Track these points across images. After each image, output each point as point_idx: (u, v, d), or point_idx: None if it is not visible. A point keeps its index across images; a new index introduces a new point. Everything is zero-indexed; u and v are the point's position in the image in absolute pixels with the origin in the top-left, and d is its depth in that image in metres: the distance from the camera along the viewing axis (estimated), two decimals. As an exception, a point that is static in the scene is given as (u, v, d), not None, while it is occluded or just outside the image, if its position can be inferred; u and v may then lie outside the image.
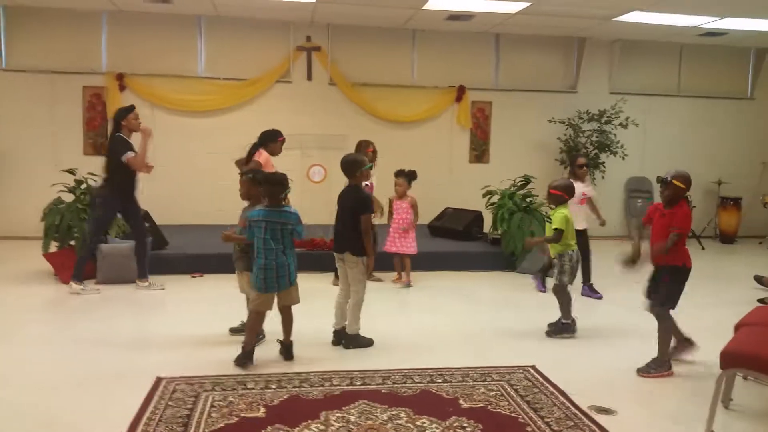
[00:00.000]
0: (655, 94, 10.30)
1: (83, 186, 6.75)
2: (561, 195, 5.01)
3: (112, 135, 6.22)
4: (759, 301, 5.74)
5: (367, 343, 4.68)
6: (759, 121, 10.64)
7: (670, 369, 4.21)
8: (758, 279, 6.72)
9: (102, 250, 6.44)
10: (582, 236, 5.85)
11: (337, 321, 4.73)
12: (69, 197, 6.73)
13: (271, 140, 6.27)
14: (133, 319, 5.42)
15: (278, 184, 4.22)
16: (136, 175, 6.27)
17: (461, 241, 8.20)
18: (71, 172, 6.82)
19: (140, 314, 5.60)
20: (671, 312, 4.23)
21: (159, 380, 3.87)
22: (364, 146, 6.64)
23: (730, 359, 3.34)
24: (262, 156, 6.05)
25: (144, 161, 6.15)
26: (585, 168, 6.55)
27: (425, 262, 7.21)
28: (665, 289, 4.21)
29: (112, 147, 6.15)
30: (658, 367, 4.19)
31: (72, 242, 6.55)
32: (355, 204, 4.56)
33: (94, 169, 6.89)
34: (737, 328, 3.78)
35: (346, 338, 4.66)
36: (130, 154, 6.07)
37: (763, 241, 9.72)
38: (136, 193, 6.32)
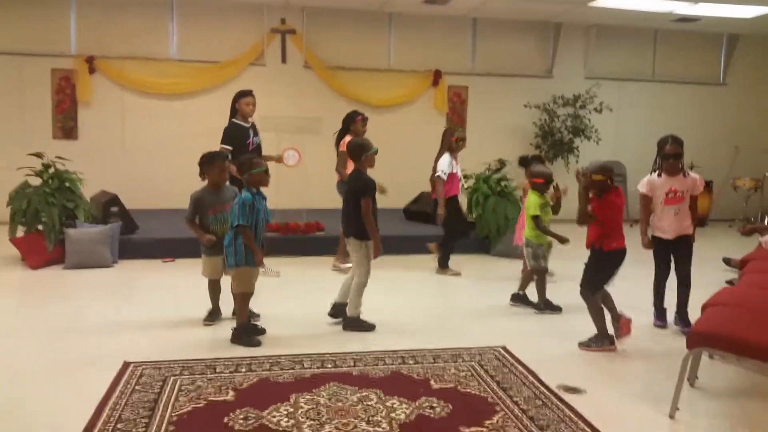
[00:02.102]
0: (630, 79, 10.38)
1: (51, 170, 6.60)
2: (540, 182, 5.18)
3: (229, 118, 6.14)
4: (727, 282, 5.82)
5: (368, 327, 4.66)
6: (731, 106, 10.77)
7: (612, 344, 4.31)
8: (727, 261, 6.82)
9: (70, 235, 6.34)
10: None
11: (339, 295, 4.79)
12: (37, 181, 6.59)
13: (351, 122, 6.34)
14: (102, 304, 5.34)
15: (238, 165, 4.35)
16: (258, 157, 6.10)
17: (436, 225, 8.18)
18: (39, 155, 6.67)
19: (109, 299, 5.52)
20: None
21: (126, 365, 3.81)
22: (449, 134, 6.44)
23: (696, 339, 3.37)
24: (346, 141, 6.06)
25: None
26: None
27: (400, 245, 7.20)
28: (587, 271, 4.38)
29: (223, 132, 6.08)
30: (598, 341, 4.31)
31: (39, 227, 6.42)
32: (356, 188, 4.58)
33: (62, 153, 6.77)
34: (704, 308, 3.82)
35: (345, 320, 4.67)
36: (226, 147, 5.95)
37: (732, 224, 9.87)
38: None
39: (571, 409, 3.36)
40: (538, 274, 5.25)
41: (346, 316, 4.68)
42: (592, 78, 10.03)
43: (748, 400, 3.65)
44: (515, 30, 9.94)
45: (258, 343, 4.23)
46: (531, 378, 3.77)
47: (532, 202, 5.17)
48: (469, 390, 3.58)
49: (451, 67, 9.82)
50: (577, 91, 9.77)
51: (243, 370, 3.79)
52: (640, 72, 10.49)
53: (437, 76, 9.76)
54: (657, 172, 4.73)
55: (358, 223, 4.55)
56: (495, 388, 3.62)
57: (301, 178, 6.32)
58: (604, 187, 4.23)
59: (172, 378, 3.65)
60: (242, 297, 4.32)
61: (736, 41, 10.59)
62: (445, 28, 9.72)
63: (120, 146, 8.99)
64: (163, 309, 5.10)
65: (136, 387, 3.52)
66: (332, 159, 9.22)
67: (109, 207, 6.95)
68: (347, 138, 6.22)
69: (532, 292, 5.30)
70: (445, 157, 6.30)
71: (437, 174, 6.27)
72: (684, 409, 3.34)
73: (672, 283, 4.81)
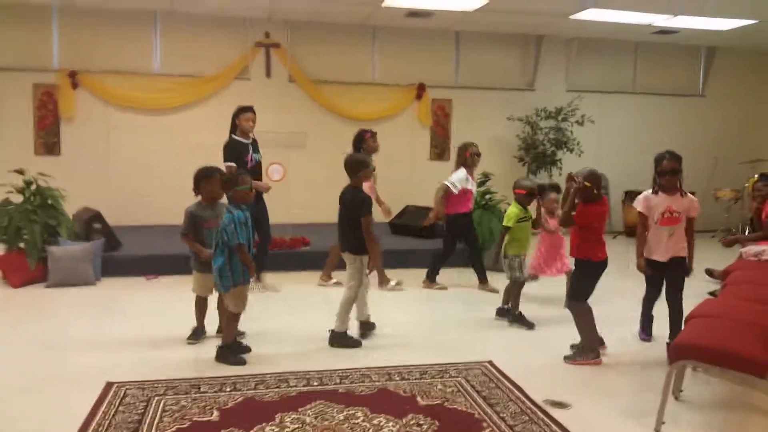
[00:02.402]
0: (611, 92, 10.49)
1: (32, 186, 6.54)
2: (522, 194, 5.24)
3: (229, 135, 6.02)
4: (709, 293, 5.88)
5: (354, 344, 4.64)
6: (710, 117, 10.92)
7: (598, 357, 4.35)
8: (709, 272, 6.89)
9: (53, 253, 6.27)
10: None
11: (357, 314, 4.84)
12: (18, 198, 6.52)
13: (362, 142, 6.30)
14: (85, 322, 5.28)
15: (223, 181, 4.35)
16: (259, 177, 6.02)
17: (422, 239, 8.21)
18: (20, 172, 6.60)
19: (93, 317, 5.46)
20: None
21: (110, 385, 3.77)
22: (463, 150, 6.40)
23: (680, 351, 3.40)
24: None
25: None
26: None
27: (386, 259, 7.18)
28: (574, 283, 4.49)
29: (224, 149, 5.97)
30: (584, 354, 4.35)
31: (21, 245, 6.35)
32: (354, 206, 4.59)
33: (44, 169, 6.70)
34: (686, 320, 3.86)
35: (331, 335, 4.64)
36: (229, 164, 5.82)
37: (714, 235, 9.97)
38: (261, 197, 6.04)
39: (557, 424, 3.37)
40: (514, 284, 5.27)
41: (333, 332, 4.65)
42: (574, 91, 10.13)
43: (732, 412, 3.68)
44: (498, 43, 10.03)
45: (243, 362, 4.20)
46: (517, 393, 3.77)
47: (510, 214, 5.19)
48: (455, 406, 3.58)
49: (434, 80, 9.88)
50: (559, 104, 9.87)
51: (228, 389, 3.76)
52: (621, 84, 10.62)
53: (421, 90, 9.81)
54: (654, 190, 4.51)
55: (353, 239, 4.59)
56: (481, 403, 3.62)
57: (286, 193, 6.30)
58: (589, 194, 4.28)
59: (156, 398, 3.61)
60: (234, 317, 4.29)
61: (714, 53, 10.77)
62: (429, 41, 9.78)
63: (103, 162, 8.92)
64: (146, 327, 5.05)
65: (120, 408, 3.48)
66: (317, 174, 9.28)
67: (91, 224, 6.88)
68: None
69: (528, 305, 5.35)
70: (461, 172, 6.29)
71: (446, 183, 6.24)
72: (669, 422, 3.36)
73: (662, 303, 4.69)
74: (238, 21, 9.05)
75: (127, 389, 3.73)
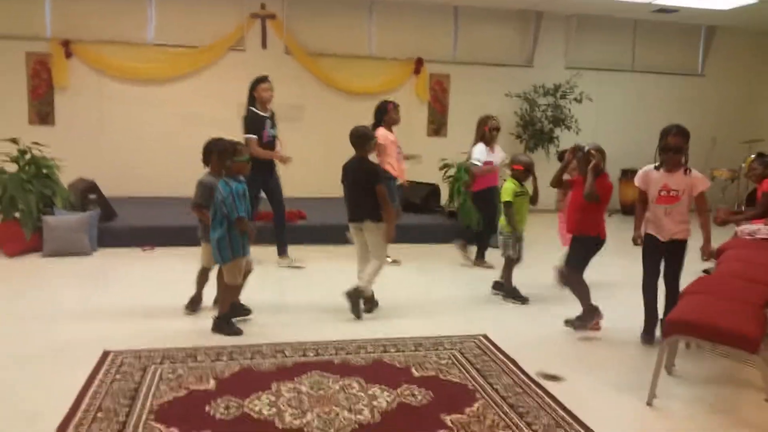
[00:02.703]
0: (609, 69, 10.44)
1: (27, 156, 6.49)
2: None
3: (246, 108, 5.94)
4: (704, 271, 5.91)
5: (370, 307, 4.80)
6: (709, 97, 10.89)
7: (600, 317, 4.47)
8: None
9: (48, 223, 6.25)
10: None
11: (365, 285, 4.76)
12: (13, 167, 6.47)
13: (384, 113, 6.26)
14: (81, 292, 5.28)
15: (218, 152, 4.29)
16: (270, 149, 5.96)
17: (418, 214, 8.22)
18: (14, 141, 6.54)
19: (89, 288, 5.46)
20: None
21: (106, 354, 3.79)
22: (482, 123, 6.29)
23: (673, 327, 3.43)
24: (378, 133, 5.96)
25: (264, 154, 5.79)
26: None
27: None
28: (575, 257, 4.51)
29: (243, 122, 5.88)
30: (586, 321, 4.43)
31: (16, 214, 6.31)
32: (368, 176, 4.65)
33: (39, 139, 6.64)
34: (680, 297, 3.89)
35: (352, 291, 4.67)
36: (250, 136, 5.77)
37: (710, 214, 10.00)
38: (275, 170, 6.05)
39: (551, 396, 3.41)
40: (507, 261, 5.29)
41: (357, 290, 4.66)
42: (573, 68, 10.07)
43: (723, 386, 3.72)
44: (496, 19, 9.94)
45: (239, 332, 4.22)
46: (511, 366, 3.81)
47: (507, 189, 5.18)
48: (450, 378, 3.62)
49: (432, 55, 9.79)
50: (558, 81, 9.81)
51: (224, 358, 3.78)
52: (620, 62, 10.56)
53: (419, 64, 9.73)
54: (655, 165, 4.27)
55: (370, 207, 4.62)
56: (475, 375, 3.66)
57: (282, 167, 6.28)
58: (600, 168, 4.34)
59: (152, 367, 3.63)
60: (231, 289, 4.30)
61: (714, 33, 10.70)
62: (427, 16, 9.68)
63: (98, 132, 8.86)
64: (142, 297, 5.06)
65: (117, 376, 3.50)
66: (314, 147, 9.24)
67: (87, 194, 6.86)
68: (381, 130, 6.17)
69: (523, 282, 5.38)
70: (479, 146, 6.20)
71: (471, 161, 6.22)
72: (661, 396, 3.41)
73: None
74: (234, -9, 8.93)
75: (123, 358, 3.74)
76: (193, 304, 4.69)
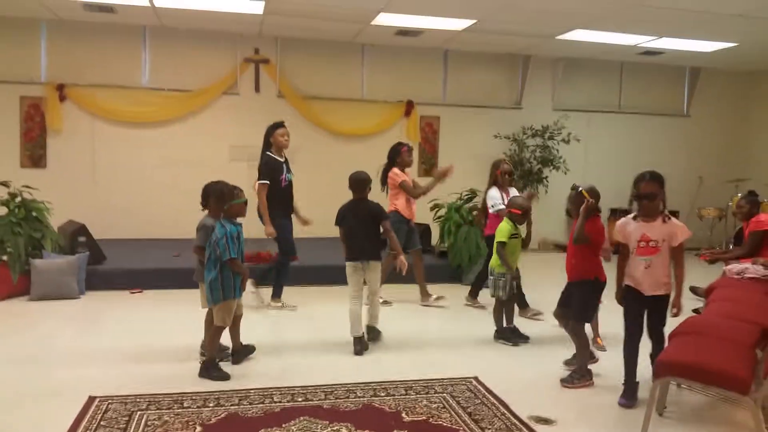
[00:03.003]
0: (597, 111, 10.61)
1: (17, 199, 6.49)
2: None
3: (261, 153, 5.99)
4: (693, 311, 5.92)
5: (377, 336, 5.19)
6: (694, 137, 11.07)
7: (591, 379, 4.32)
8: (694, 290, 6.94)
9: (36, 266, 6.21)
10: None
11: (355, 329, 4.89)
12: (2, 210, 6.47)
13: (397, 155, 6.34)
14: (69, 336, 5.22)
15: (215, 195, 4.32)
16: (289, 195, 6.07)
17: (406, 254, 8.20)
18: (5, 184, 6.56)
19: (76, 331, 5.40)
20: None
21: (91, 399, 3.73)
22: (494, 168, 6.22)
23: (664, 368, 3.42)
24: (390, 174, 6.23)
25: (263, 208, 5.86)
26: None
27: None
28: (582, 304, 4.37)
29: (259, 167, 5.94)
30: (581, 378, 4.30)
31: (4, 257, 6.28)
32: (373, 214, 4.98)
33: (30, 182, 6.66)
34: (671, 337, 3.88)
35: (374, 332, 5.12)
36: (263, 182, 5.81)
37: (698, 253, 10.05)
38: (291, 214, 6.16)
39: (542, 440, 3.37)
40: (497, 302, 5.25)
41: (374, 329, 5.13)
42: (560, 110, 10.25)
43: (715, 428, 3.69)
44: (485, 62, 10.13)
45: (227, 377, 4.17)
46: (502, 409, 3.77)
47: (502, 230, 5.19)
48: (440, 422, 3.57)
49: (423, 97, 9.95)
50: (546, 123, 9.98)
51: (211, 404, 3.72)
52: (607, 104, 10.75)
53: (410, 107, 9.88)
54: (633, 215, 4.03)
55: (375, 246, 5.01)
56: (467, 420, 3.61)
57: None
58: (594, 209, 4.36)
59: (138, 413, 3.57)
60: (219, 330, 4.28)
61: (699, 74, 10.93)
62: (418, 59, 9.87)
63: (89, 175, 8.89)
64: (129, 341, 5.00)
65: (102, 422, 3.44)
66: (306, 189, 9.26)
67: (76, 237, 6.84)
68: (394, 171, 6.27)
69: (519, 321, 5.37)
70: (493, 190, 6.11)
71: (494, 208, 6.02)
72: (653, 438, 3.37)
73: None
74: (227, 36, 9.09)
75: (109, 404, 3.68)
76: (237, 354, 4.55)
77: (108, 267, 6.94)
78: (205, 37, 9.01)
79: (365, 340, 4.93)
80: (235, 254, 4.15)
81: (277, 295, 6.18)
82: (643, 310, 3.99)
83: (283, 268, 6.13)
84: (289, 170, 6.05)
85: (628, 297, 4.03)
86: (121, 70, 8.93)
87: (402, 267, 4.96)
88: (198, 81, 9.09)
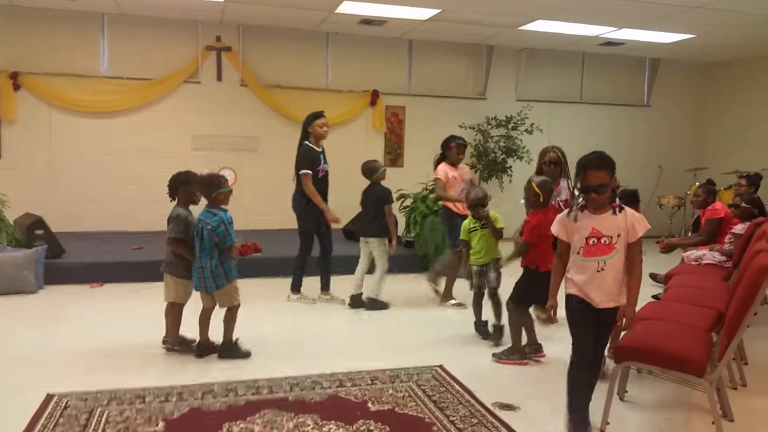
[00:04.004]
0: (559, 101, 10.74)
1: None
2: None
3: (299, 143, 5.92)
4: (653, 297, 6.06)
5: (383, 306, 5.90)
6: (654, 126, 11.30)
7: (524, 358, 4.45)
8: (653, 276, 7.10)
9: (-9, 260, 6.04)
10: None
11: (355, 287, 5.94)
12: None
13: (446, 149, 6.17)
14: (26, 332, 5.09)
15: (204, 184, 4.38)
16: (325, 186, 5.99)
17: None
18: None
19: (33, 327, 5.27)
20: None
21: (50, 397, 3.64)
22: (540, 157, 5.74)
23: (623, 353, 3.48)
24: (438, 168, 6.10)
25: (315, 197, 5.86)
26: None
27: (340, 265, 7.17)
28: (518, 288, 4.51)
29: (296, 157, 5.86)
30: (510, 355, 4.45)
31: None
32: (380, 197, 5.79)
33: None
34: (631, 323, 3.96)
35: (364, 302, 5.89)
36: (306, 171, 5.80)
37: (661, 240, 10.30)
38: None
39: (506, 426, 3.41)
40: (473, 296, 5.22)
41: (369, 299, 5.86)
42: (523, 100, 10.33)
43: (674, 411, 3.78)
44: (450, 52, 10.15)
45: (248, 354, 4.43)
46: (467, 396, 3.80)
47: (463, 227, 5.15)
48: (406, 411, 3.59)
49: (388, 87, 9.92)
50: (510, 113, 10.05)
51: (174, 399, 3.67)
52: (569, 94, 10.88)
53: (375, 96, 9.84)
54: (578, 204, 3.22)
55: (376, 225, 5.79)
56: (432, 407, 3.64)
57: (237, 199, 6.20)
58: (536, 202, 4.42)
59: (99, 409, 3.50)
60: (234, 310, 4.46)
61: (658, 65, 11.14)
62: (382, 48, 9.83)
63: (46, 166, 8.64)
64: (90, 336, 4.90)
65: (60, 420, 3.36)
66: (270, 178, 9.19)
67: (33, 230, 6.66)
68: (441, 166, 6.13)
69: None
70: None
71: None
72: (614, 422, 3.44)
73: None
74: (188, 24, 8.91)
75: (68, 401, 3.60)
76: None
77: (67, 260, 6.78)
78: (166, 24, 8.82)
79: (359, 300, 5.89)
80: (235, 238, 4.35)
81: (296, 287, 6.14)
82: (593, 325, 3.20)
83: (302, 261, 6.10)
84: (325, 160, 6.01)
85: (576, 311, 3.20)
86: (79, 58, 8.68)
87: (390, 250, 5.80)
88: (158, 69, 8.89)
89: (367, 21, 8.60)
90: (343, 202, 7.16)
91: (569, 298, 3.23)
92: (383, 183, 6.00)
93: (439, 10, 7.86)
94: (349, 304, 5.89)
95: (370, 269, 6.08)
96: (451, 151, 6.13)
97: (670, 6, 7.34)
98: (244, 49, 9.23)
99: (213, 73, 9.14)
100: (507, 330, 4.75)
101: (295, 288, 6.13)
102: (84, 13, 8.51)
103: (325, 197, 6.02)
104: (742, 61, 10.80)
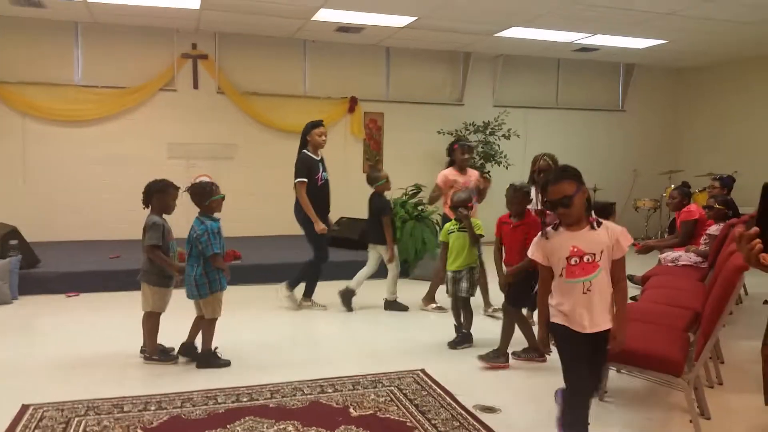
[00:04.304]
0: (535, 107, 10.85)
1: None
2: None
3: (298, 151, 5.89)
4: (631, 298, 6.12)
5: (402, 308, 6.11)
6: (630, 131, 11.47)
7: (507, 362, 4.47)
8: (630, 278, 7.17)
9: (-37, 271, 5.92)
10: None
11: (353, 284, 6.12)
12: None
13: (451, 151, 6.15)
14: (2, 343, 4.97)
15: (196, 193, 4.35)
16: (326, 194, 5.96)
17: (356, 250, 8.19)
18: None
19: (8, 338, 5.15)
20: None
21: (25, 407, 3.57)
22: (533, 164, 5.69)
23: (603, 353, 3.51)
24: (440, 174, 6.09)
25: (306, 207, 5.81)
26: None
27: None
28: (511, 289, 4.51)
29: (295, 165, 5.82)
30: (495, 358, 4.45)
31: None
32: (377, 208, 5.96)
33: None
34: (609, 323, 4.00)
35: (386, 302, 6.17)
36: (302, 180, 5.76)
37: (636, 242, 10.43)
38: (327, 214, 6.03)
39: (487, 428, 3.41)
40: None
41: (387, 301, 6.16)
42: (500, 106, 10.43)
43: (653, 410, 3.82)
44: (427, 59, 10.21)
45: (228, 363, 4.38)
46: (449, 399, 3.81)
47: (443, 228, 5.25)
48: (388, 415, 3.58)
49: (366, 94, 9.95)
50: (487, 119, 10.13)
51: (153, 408, 3.62)
52: (545, 100, 11.00)
53: (353, 103, 9.86)
54: (552, 225, 3.00)
55: (377, 233, 5.96)
56: (414, 411, 3.63)
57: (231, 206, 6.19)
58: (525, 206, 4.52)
59: (76, 419, 3.44)
60: (211, 323, 4.40)
61: (632, 70, 11.31)
62: (360, 55, 9.86)
63: (20, 176, 8.51)
64: (66, 346, 4.82)
65: (36, 431, 3.29)
66: (247, 186, 9.15)
67: (7, 240, 6.53)
68: (446, 170, 6.13)
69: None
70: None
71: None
72: (594, 423, 3.45)
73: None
74: (163, 32, 8.85)
75: (44, 411, 3.54)
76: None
77: (42, 270, 6.67)
78: (140, 32, 8.75)
79: (347, 293, 6.09)
80: (218, 249, 4.27)
81: (308, 294, 6.16)
82: (586, 352, 2.91)
83: (316, 269, 6.08)
84: (324, 169, 6.00)
85: (564, 341, 2.95)
86: (53, 67, 8.57)
87: (389, 259, 5.94)
88: (134, 77, 8.82)
89: (344, 28, 8.62)
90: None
91: (555, 327, 2.96)
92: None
93: (415, 18, 7.91)
94: (339, 292, 6.10)
95: (379, 273, 6.18)
96: (455, 153, 6.15)
97: (642, 12, 7.47)
98: (221, 57, 9.20)
99: (189, 81, 9.09)
100: (486, 337, 4.77)
101: (308, 294, 6.16)
102: (57, 22, 8.41)
103: (326, 205, 6.02)
104: (712, 67, 11.02)
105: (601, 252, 2.86)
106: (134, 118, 8.90)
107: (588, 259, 2.85)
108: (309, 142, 5.92)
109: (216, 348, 4.46)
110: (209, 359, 4.38)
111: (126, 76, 8.78)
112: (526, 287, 4.49)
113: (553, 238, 2.94)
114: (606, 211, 4.49)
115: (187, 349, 4.47)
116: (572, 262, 2.87)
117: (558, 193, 2.86)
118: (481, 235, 5.02)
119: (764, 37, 8.64)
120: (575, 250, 2.86)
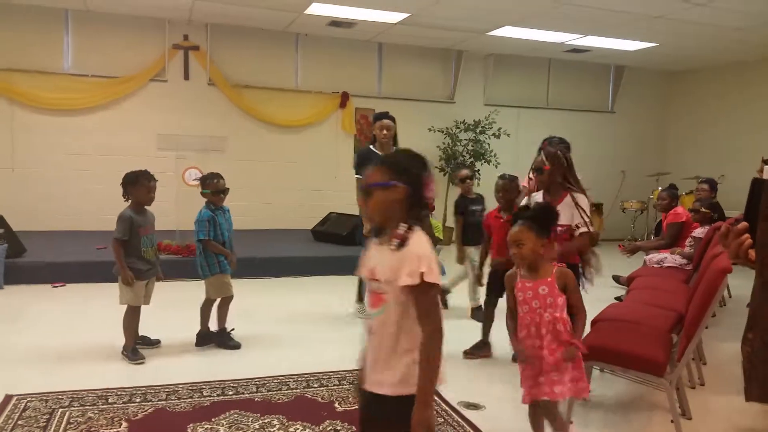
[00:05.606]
0: (526, 106, 10.88)
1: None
2: None
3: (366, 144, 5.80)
4: (616, 298, 6.18)
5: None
6: (618, 132, 11.54)
7: (489, 352, 4.66)
8: (616, 278, 7.24)
9: (-53, 259, 5.87)
10: None
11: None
12: None
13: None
14: (-16, 333, 4.96)
15: (199, 184, 4.67)
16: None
17: (344, 246, 8.21)
18: None
19: (-8, 328, 5.14)
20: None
21: (8, 398, 3.56)
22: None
23: (586, 353, 3.54)
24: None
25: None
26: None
27: (308, 266, 7.17)
28: (488, 281, 4.69)
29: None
30: (478, 350, 4.65)
31: None
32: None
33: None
34: (593, 324, 4.04)
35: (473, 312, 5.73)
36: (358, 177, 5.36)
37: (621, 244, 10.50)
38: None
39: (471, 425, 3.44)
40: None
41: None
42: (491, 105, 10.46)
43: (635, 410, 3.86)
44: (420, 56, 10.22)
45: (238, 346, 4.64)
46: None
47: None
48: (372, 411, 3.59)
49: (358, 89, 9.94)
50: (477, 117, 10.16)
51: (138, 400, 3.62)
52: (536, 99, 11.05)
53: (345, 98, 9.85)
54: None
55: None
56: (398, 408, 3.64)
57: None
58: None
59: (60, 410, 3.43)
60: (208, 303, 4.66)
61: (623, 72, 11.38)
62: (352, 51, 9.85)
63: (8, 164, 8.44)
64: (52, 336, 4.80)
65: (19, 422, 3.28)
66: (237, 179, 9.10)
67: (-7, 228, 6.50)
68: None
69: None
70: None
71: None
72: (577, 421, 3.49)
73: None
74: (156, 22, 8.80)
75: (28, 402, 3.53)
76: (135, 354, 4.36)
77: (29, 259, 6.63)
78: (132, 22, 8.70)
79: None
80: (204, 235, 4.49)
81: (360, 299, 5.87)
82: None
83: None
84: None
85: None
86: (42, 54, 8.51)
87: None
88: (124, 67, 8.77)
89: (336, 23, 8.61)
90: (312, 203, 7.19)
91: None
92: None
93: (408, 14, 7.91)
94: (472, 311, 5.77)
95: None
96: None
97: (632, 14, 7.52)
98: (212, 49, 9.16)
99: (180, 72, 9.05)
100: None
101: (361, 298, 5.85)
102: (47, 9, 8.34)
103: None
104: (700, 71, 11.11)
105: (391, 282, 1.92)
106: (124, 108, 8.85)
107: (378, 288, 2.00)
108: (376, 137, 5.47)
109: (232, 329, 4.71)
110: (223, 339, 4.65)
111: (116, 66, 8.73)
112: (497, 277, 4.55)
113: (369, 248, 2.07)
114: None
115: (203, 337, 4.69)
116: (372, 287, 2.03)
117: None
118: (439, 238, 5.08)
119: (752, 42, 8.73)
120: (370, 272, 2.02)
